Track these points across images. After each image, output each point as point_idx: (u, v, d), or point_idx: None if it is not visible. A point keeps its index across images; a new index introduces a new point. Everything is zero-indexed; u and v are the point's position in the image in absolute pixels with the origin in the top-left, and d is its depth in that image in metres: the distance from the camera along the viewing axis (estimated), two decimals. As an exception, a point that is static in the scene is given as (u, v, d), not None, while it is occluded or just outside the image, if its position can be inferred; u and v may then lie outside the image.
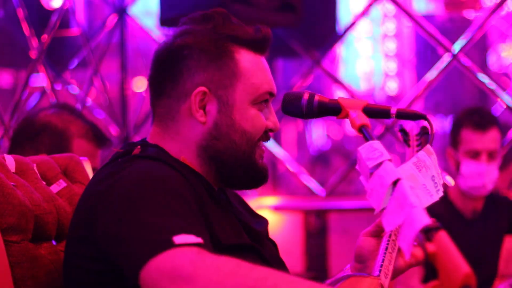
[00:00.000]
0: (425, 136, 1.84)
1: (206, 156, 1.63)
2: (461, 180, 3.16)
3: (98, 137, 2.56)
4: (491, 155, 3.13)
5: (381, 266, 1.62)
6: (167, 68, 1.64)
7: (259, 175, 1.66)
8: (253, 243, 1.61)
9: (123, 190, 1.47)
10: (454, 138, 3.20)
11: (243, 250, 1.57)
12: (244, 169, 1.64)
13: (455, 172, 3.20)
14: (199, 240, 1.37)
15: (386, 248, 1.65)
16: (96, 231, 1.48)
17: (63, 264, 1.61)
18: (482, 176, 3.10)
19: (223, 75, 1.62)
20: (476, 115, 3.17)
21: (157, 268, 1.33)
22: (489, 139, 3.12)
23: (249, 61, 1.64)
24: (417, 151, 1.82)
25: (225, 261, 1.34)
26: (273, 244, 1.75)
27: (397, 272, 1.69)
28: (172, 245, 1.34)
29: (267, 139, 1.67)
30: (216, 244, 1.48)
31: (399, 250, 1.65)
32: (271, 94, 1.66)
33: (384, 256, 1.64)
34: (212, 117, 1.62)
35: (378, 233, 1.72)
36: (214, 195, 1.61)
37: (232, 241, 1.55)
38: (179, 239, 1.35)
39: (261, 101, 1.64)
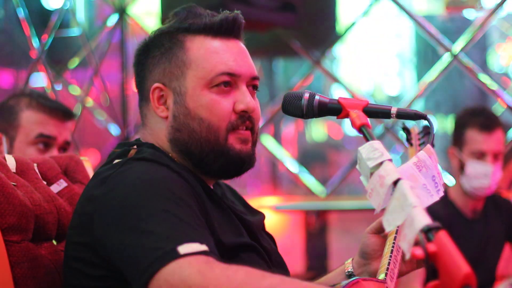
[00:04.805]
0: (427, 135, 1.84)
1: (178, 150, 1.61)
2: (465, 180, 3.16)
3: (46, 106, 2.59)
4: (496, 156, 3.13)
5: (387, 269, 1.61)
6: (136, 72, 1.68)
7: (234, 161, 1.60)
8: (252, 241, 1.60)
9: (120, 196, 1.44)
10: (458, 138, 3.19)
11: (243, 249, 1.57)
12: (214, 156, 1.59)
13: (457, 171, 3.20)
14: (204, 247, 1.34)
15: (392, 251, 1.65)
16: (95, 238, 1.46)
17: (62, 266, 1.60)
18: (488, 177, 3.10)
19: (174, 66, 1.61)
20: (481, 116, 3.17)
21: (166, 280, 1.30)
22: (495, 140, 3.13)
23: (201, 47, 1.61)
24: (420, 150, 1.81)
25: (235, 270, 1.31)
26: (271, 238, 1.74)
27: (400, 275, 1.69)
28: (177, 255, 1.31)
29: (243, 121, 1.61)
30: (218, 244, 1.47)
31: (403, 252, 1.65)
32: (230, 74, 1.60)
33: (389, 259, 1.63)
34: (171, 110, 1.62)
35: (382, 230, 1.72)
36: (210, 193, 1.60)
37: (232, 241, 1.54)
38: (183, 248, 1.32)
39: (218, 84, 1.59)
